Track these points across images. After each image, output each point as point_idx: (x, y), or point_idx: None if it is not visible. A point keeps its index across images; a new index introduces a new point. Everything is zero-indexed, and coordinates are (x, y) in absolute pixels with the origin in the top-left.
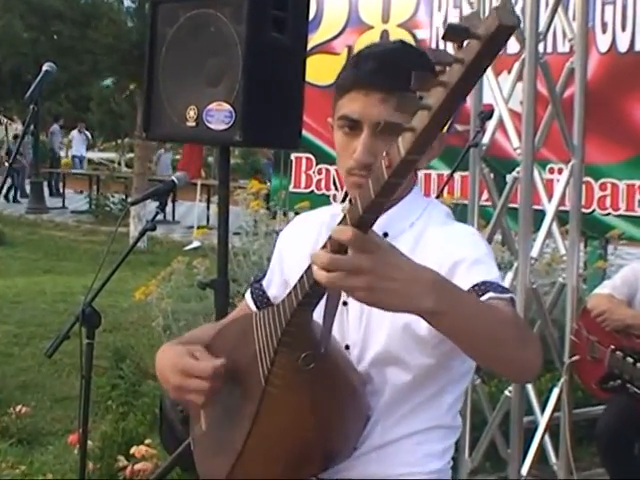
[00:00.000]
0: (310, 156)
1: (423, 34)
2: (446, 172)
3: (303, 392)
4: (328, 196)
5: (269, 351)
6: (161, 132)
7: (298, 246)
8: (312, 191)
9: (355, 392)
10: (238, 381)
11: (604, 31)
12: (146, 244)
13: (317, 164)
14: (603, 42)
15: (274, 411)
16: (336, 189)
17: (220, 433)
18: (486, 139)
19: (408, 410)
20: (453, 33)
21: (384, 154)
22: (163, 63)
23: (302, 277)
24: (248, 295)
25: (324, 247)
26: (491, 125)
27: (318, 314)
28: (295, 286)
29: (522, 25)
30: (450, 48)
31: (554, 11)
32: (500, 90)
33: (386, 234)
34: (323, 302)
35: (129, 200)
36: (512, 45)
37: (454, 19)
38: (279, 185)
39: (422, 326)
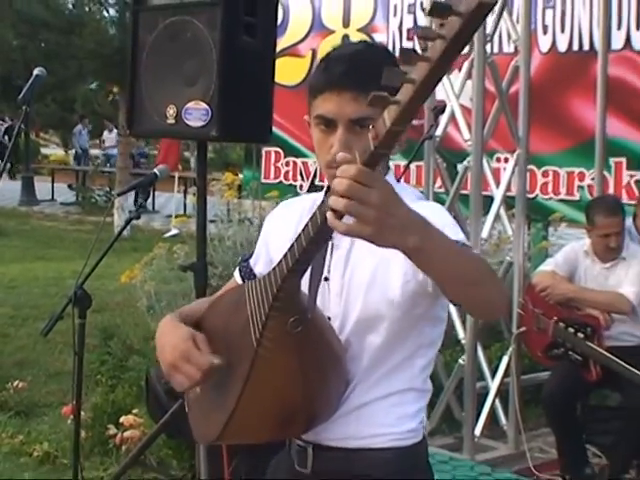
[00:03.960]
0: (279, 150)
1: (380, 37)
2: (403, 163)
3: (291, 354)
4: (295, 186)
5: (261, 316)
6: (143, 129)
7: (282, 229)
8: (280, 181)
9: (337, 357)
10: (231, 346)
11: (545, 33)
12: (129, 232)
13: (285, 157)
14: (544, 43)
15: (265, 372)
16: (302, 179)
17: (213, 395)
18: (439, 132)
19: (383, 373)
20: (437, 10)
21: (370, 127)
22: (144, 66)
23: (292, 246)
24: (237, 273)
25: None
26: (443, 119)
27: (304, 287)
28: (285, 254)
29: None
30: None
31: (500, 15)
32: (452, 87)
33: None
34: (308, 274)
35: (114, 192)
36: None
37: (408, 24)
38: (251, 176)
39: (395, 293)
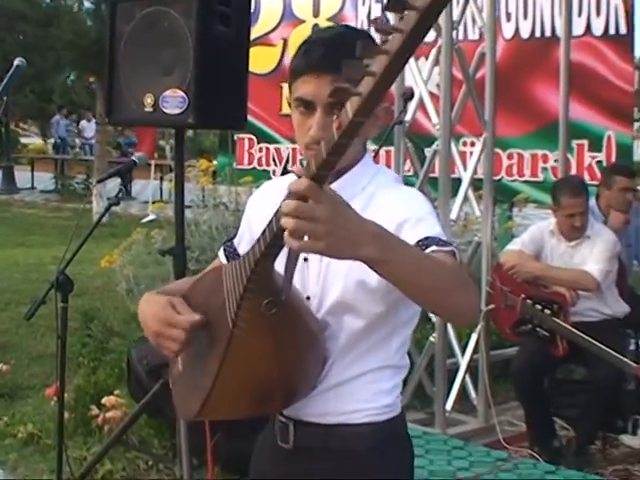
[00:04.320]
0: (252, 137)
1: None
2: (373, 147)
3: (266, 335)
4: (268, 171)
5: (236, 297)
6: (122, 117)
7: (263, 209)
8: (254, 167)
9: (314, 336)
10: (210, 326)
11: (508, 20)
12: (107, 218)
13: (258, 143)
14: (508, 30)
15: (240, 352)
16: (275, 165)
17: (194, 373)
18: (408, 117)
19: (361, 352)
20: (394, 4)
21: (334, 117)
22: (122, 56)
23: (265, 230)
24: (221, 253)
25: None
26: (412, 105)
27: (282, 267)
28: (258, 239)
29: None
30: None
31: (466, 2)
32: (420, 73)
33: None
34: (284, 255)
35: (92, 180)
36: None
37: (377, 13)
38: (225, 162)
39: (372, 279)
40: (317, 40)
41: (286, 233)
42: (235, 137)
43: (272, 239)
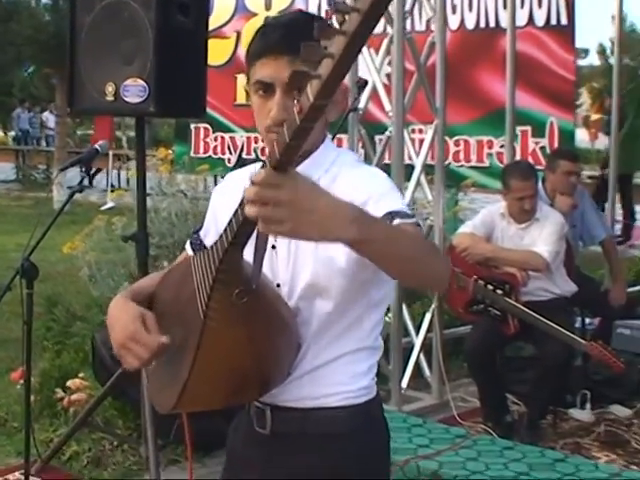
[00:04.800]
0: (207, 126)
1: None
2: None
3: (238, 324)
4: (223, 159)
5: (206, 288)
6: (83, 107)
7: (228, 200)
8: (209, 156)
9: (286, 323)
10: (182, 319)
11: (454, 12)
12: (68, 206)
13: (214, 132)
14: (454, 21)
15: (214, 343)
16: (230, 153)
17: (168, 366)
18: (361, 105)
19: (334, 335)
20: None
21: (295, 102)
22: (83, 46)
23: (231, 220)
24: (188, 245)
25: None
26: (365, 94)
27: (251, 255)
28: (225, 229)
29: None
30: None
31: None
32: (373, 63)
33: None
34: (253, 243)
35: (52, 169)
36: (379, 25)
37: (326, 6)
38: (182, 151)
39: (341, 258)
40: (274, 23)
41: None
42: (191, 126)
43: (239, 228)
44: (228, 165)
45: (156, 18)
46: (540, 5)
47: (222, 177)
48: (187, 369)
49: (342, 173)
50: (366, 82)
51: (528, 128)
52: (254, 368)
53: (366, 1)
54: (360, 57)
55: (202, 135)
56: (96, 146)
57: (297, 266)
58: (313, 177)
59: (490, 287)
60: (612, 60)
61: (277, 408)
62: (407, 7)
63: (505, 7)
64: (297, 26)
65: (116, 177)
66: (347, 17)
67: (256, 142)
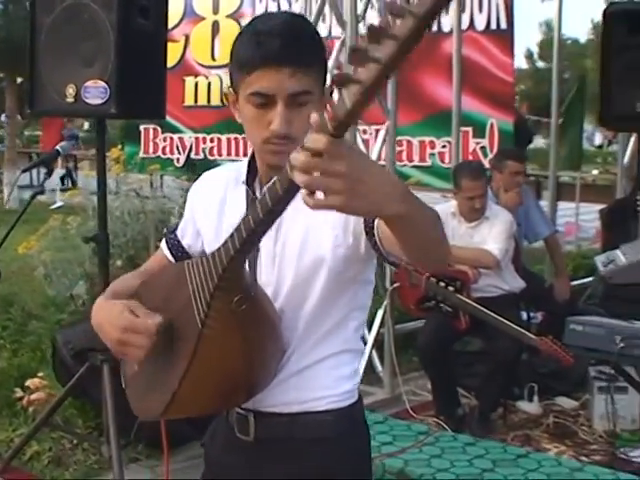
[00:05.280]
0: (156, 127)
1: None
2: None
3: (235, 331)
4: (172, 159)
5: (205, 296)
6: (43, 108)
7: (207, 200)
8: (159, 156)
9: (274, 327)
10: (172, 325)
11: None
12: (19, 205)
13: (163, 133)
14: None
15: (209, 351)
16: (179, 153)
17: (154, 372)
18: None
19: (318, 338)
20: None
21: (327, 107)
22: (43, 48)
23: (239, 227)
24: (164, 245)
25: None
26: None
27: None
28: (232, 235)
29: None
30: None
31: None
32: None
33: None
34: None
35: (2, 169)
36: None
37: (273, 8)
38: (132, 152)
39: (327, 258)
40: (270, 30)
41: (303, 192)
42: (141, 127)
43: (249, 234)
44: (177, 165)
45: (117, 20)
46: (481, 10)
47: (177, 177)
48: (178, 377)
49: None
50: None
51: (469, 129)
52: (244, 374)
53: (424, 4)
54: None
55: (151, 136)
56: (58, 147)
57: (282, 267)
58: None
59: (442, 284)
60: (539, 64)
61: (261, 414)
62: (359, 11)
63: (447, 12)
64: (296, 33)
65: (65, 177)
66: (399, 20)
67: (204, 142)
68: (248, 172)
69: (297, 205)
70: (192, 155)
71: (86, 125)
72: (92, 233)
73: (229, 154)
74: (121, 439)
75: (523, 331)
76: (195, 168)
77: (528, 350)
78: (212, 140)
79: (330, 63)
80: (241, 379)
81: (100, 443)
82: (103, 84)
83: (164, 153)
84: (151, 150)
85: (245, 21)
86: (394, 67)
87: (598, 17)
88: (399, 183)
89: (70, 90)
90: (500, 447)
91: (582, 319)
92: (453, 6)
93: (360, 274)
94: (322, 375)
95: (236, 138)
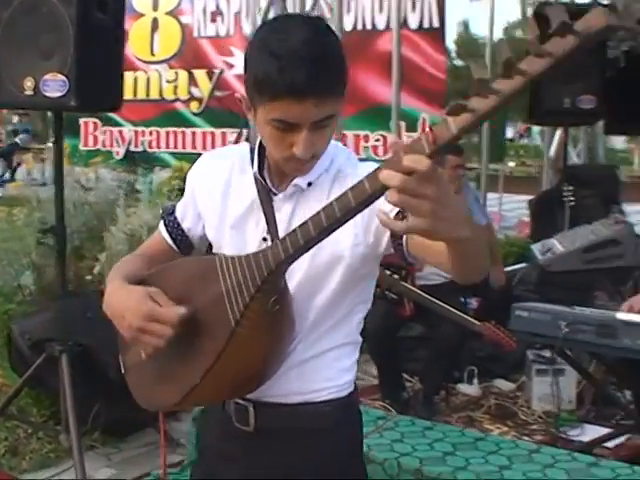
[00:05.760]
0: (96, 120)
1: (187, 20)
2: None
3: (267, 331)
4: (112, 152)
5: (243, 296)
6: (2, 101)
7: (209, 183)
8: (98, 149)
9: (293, 322)
10: (196, 320)
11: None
12: None
13: (102, 126)
14: (331, 23)
15: (238, 349)
16: (119, 146)
17: (166, 364)
18: None
19: (325, 330)
20: (561, 27)
21: (428, 129)
22: (0, 41)
23: (295, 232)
24: (162, 227)
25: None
26: None
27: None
28: (284, 239)
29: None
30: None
31: None
32: None
33: (310, 183)
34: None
35: None
36: None
37: (212, 7)
38: (74, 145)
39: (345, 255)
40: (292, 55)
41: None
42: (80, 121)
43: (307, 242)
44: (116, 157)
45: (77, 14)
46: (414, 9)
47: (113, 169)
48: (201, 372)
49: (345, 170)
50: None
51: (402, 123)
52: (261, 368)
53: (565, 45)
54: None
55: (91, 129)
56: (16, 139)
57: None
58: (315, 175)
59: (387, 272)
60: (456, 62)
61: (261, 404)
62: (307, 8)
63: (381, 10)
64: (319, 59)
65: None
66: (532, 60)
67: (143, 135)
68: (259, 160)
69: (317, 204)
70: (131, 148)
71: (15, 119)
72: (38, 224)
73: (168, 146)
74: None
75: (466, 317)
76: (135, 160)
77: (471, 335)
78: (151, 133)
79: None
80: (257, 372)
81: (56, 432)
82: (62, 77)
83: (104, 146)
84: (91, 143)
85: (184, 18)
86: (510, 101)
87: (513, 18)
88: (466, 207)
89: (28, 83)
90: (458, 431)
91: (527, 305)
92: (393, 5)
93: (372, 270)
94: (324, 367)
95: (175, 131)
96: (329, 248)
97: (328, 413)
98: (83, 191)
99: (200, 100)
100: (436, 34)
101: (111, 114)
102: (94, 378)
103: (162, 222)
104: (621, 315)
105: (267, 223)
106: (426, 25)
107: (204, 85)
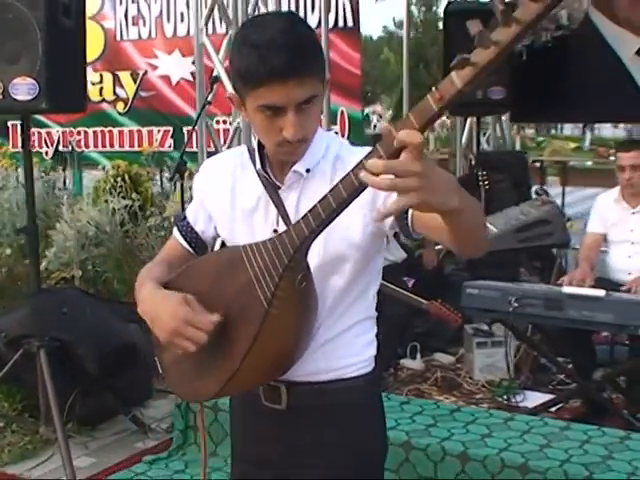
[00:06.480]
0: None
1: (109, 24)
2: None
3: (298, 309)
4: (41, 152)
5: (272, 277)
6: None
7: (216, 185)
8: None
9: (317, 301)
10: (228, 309)
11: None
12: None
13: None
14: None
15: (272, 329)
16: (47, 146)
17: (204, 357)
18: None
19: (345, 308)
20: None
21: (433, 89)
22: None
23: (315, 207)
24: (176, 233)
25: (375, 157)
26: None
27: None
28: (305, 216)
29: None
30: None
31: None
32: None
33: (308, 170)
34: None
35: None
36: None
37: (133, 12)
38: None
39: (357, 236)
40: (270, 43)
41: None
42: (8, 123)
43: (330, 213)
44: (46, 158)
45: (44, 19)
46: (329, 10)
47: (42, 171)
48: (239, 357)
49: (343, 155)
50: (217, 77)
51: (322, 117)
52: (293, 349)
53: None
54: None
55: (19, 131)
56: None
57: (313, 244)
58: (313, 162)
59: None
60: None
61: (292, 383)
62: (250, 9)
63: (313, 11)
64: (296, 43)
65: None
66: (523, 5)
67: (71, 136)
68: (260, 157)
69: (321, 189)
70: (60, 148)
71: None
72: None
73: (96, 146)
74: (51, 419)
75: (414, 297)
76: (64, 160)
77: (417, 314)
78: (79, 133)
79: (221, 56)
80: (290, 352)
81: (32, 424)
82: (32, 80)
83: (33, 147)
84: (19, 144)
85: (107, 24)
86: (509, 49)
87: (400, 16)
88: (453, 178)
89: None
90: (432, 404)
91: (477, 283)
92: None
93: (381, 247)
94: (349, 343)
95: (102, 131)
96: (340, 233)
97: (356, 389)
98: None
99: (125, 100)
100: (351, 33)
101: (38, 116)
102: (69, 371)
103: (175, 228)
104: (566, 289)
105: (279, 214)
106: (341, 24)
107: (129, 86)
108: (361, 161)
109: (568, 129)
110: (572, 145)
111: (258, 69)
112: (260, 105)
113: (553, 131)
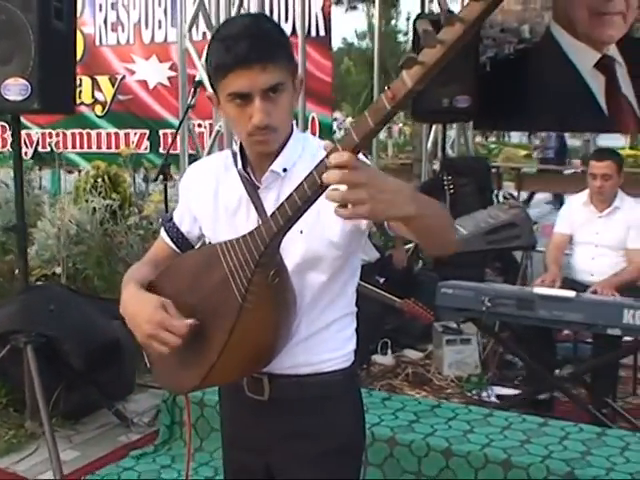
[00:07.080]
0: (4, 124)
1: (89, 30)
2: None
3: (270, 304)
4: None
5: (245, 273)
6: None
7: (200, 189)
8: (8, 150)
9: (295, 297)
10: (204, 306)
11: None
12: None
13: (10, 129)
14: None
15: (247, 323)
16: (27, 147)
17: (186, 351)
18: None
19: (324, 305)
20: None
21: (386, 88)
22: None
23: (283, 205)
24: (163, 233)
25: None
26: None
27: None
28: (273, 215)
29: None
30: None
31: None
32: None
33: (285, 169)
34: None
35: None
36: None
37: (112, 19)
38: None
39: (335, 234)
40: (236, 35)
41: (335, 206)
42: None
43: (296, 211)
44: (25, 158)
45: (37, 21)
46: (287, 19)
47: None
48: (216, 351)
49: (319, 156)
50: (200, 82)
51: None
52: (271, 343)
53: None
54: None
55: (2, 131)
56: None
57: (289, 243)
58: (291, 162)
59: None
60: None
61: (273, 376)
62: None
63: (287, 20)
64: (259, 33)
65: None
66: (468, 5)
67: (50, 137)
68: (241, 158)
69: None
70: (39, 149)
71: None
72: None
73: (74, 147)
74: (37, 413)
75: (388, 295)
76: (43, 160)
77: (389, 312)
78: (58, 135)
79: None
80: (266, 349)
81: (16, 419)
82: (24, 81)
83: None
84: (0, 145)
85: (87, 29)
86: (456, 49)
87: (362, 28)
88: (408, 187)
89: None
90: (413, 400)
91: (452, 283)
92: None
93: (359, 245)
94: (329, 338)
95: (80, 133)
96: (319, 231)
97: (335, 382)
98: (5, 190)
99: (104, 104)
100: (323, 42)
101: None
102: (55, 366)
103: (162, 229)
104: (538, 289)
105: (258, 213)
106: (313, 34)
107: (107, 90)
108: (322, 160)
109: (516, 137)
110: (522, 152)
111: (225, 59)
112: (229, 93)
113: (502, 139)
